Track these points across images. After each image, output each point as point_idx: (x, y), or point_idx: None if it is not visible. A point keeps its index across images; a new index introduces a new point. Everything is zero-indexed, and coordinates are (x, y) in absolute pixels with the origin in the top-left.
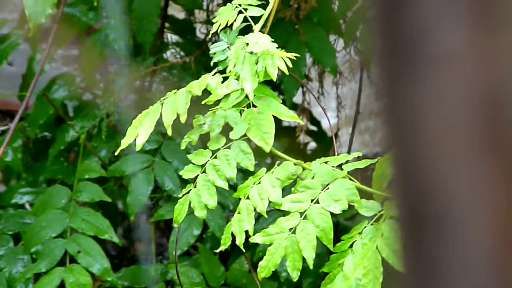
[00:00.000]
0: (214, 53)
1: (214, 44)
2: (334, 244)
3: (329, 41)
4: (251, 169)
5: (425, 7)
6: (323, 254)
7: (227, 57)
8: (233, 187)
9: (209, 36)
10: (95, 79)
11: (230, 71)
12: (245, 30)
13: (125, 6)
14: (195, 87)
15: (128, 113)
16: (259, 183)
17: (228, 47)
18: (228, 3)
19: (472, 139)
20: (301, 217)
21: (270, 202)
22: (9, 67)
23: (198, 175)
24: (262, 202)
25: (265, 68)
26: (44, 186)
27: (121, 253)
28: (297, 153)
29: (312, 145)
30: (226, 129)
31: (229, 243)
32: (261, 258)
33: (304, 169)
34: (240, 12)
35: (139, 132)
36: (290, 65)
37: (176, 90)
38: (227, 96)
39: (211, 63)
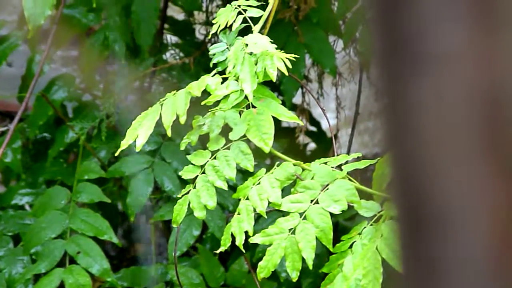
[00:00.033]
0: (214, 54)
1: (214, 45)
2: (334, 245)
3: (329, 42)
4: (251, 169)
5: (425, 7)
6: (323, 254)
7: (227, 58)
8: (233, 188)
9: (209, 37)
10: (95, 80)
11: (229, 72)
12: (245, 31)
13: (125, 7)
14: (195, 88)
15: (128, 114)
16: (259, 183)
17: (227, 48)
18: (228, 4)
19: (472, 139)
20: (300, 217)
21: (269, 202)
22: (9, 68)
23: (197, 175)
24: (261, 203)
25: (265, 69)
26: (43, 187)
27: (120, 253)
28: (296, 153)
29: (312, 145)
30: (226, 130)
31: (229, 243)
32: (260, 259)
33: (303, 169)
34: (239, 13)
35: (138, 133)
36: (290, 66)
37: (175, 91)
38: (226, 97)
39: (211, 64)
